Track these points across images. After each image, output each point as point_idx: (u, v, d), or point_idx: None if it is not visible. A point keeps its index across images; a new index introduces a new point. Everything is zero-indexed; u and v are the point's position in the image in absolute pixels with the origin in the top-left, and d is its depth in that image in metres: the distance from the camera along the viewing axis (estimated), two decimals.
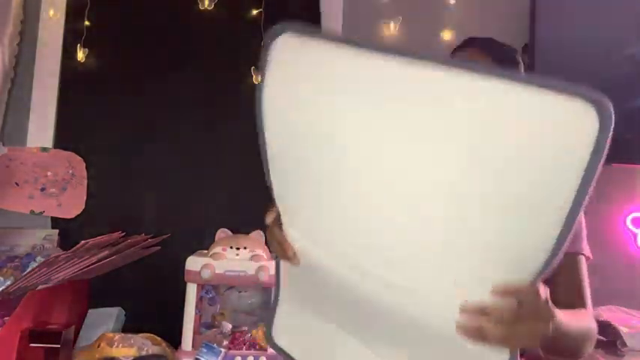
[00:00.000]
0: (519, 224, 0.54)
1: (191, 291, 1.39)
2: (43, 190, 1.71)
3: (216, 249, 1.43)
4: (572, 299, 0.92)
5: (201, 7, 1.79)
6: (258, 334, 1.42)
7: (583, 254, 0.98)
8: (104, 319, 1.53)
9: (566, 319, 0.76)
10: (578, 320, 0.87)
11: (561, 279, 0.94)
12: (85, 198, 1.71)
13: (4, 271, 1.51)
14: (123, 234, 1.47)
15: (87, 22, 1.76)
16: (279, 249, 0.78)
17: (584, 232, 0.99)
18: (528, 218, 0.54)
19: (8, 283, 1.33)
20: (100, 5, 1.77)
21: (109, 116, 1.76)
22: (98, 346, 1.34)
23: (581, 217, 0.99)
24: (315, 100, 0.64)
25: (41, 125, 1.76)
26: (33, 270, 1.21)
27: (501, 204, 0.54)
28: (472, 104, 0.54)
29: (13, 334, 1.23)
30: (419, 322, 0.64)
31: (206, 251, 1.47)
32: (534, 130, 0.51)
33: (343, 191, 0.65)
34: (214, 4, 1.80)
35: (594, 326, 0.91)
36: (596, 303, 1.57)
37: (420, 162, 0.57)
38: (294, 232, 0.74)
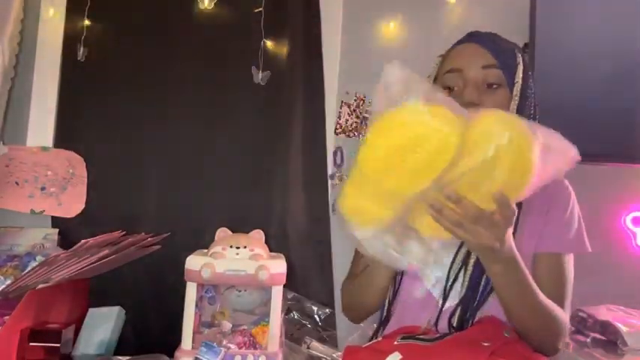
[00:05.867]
0: None
1: (191, 290, 1.39)
2: (43, 189, 1.71)
3: (216, 248, 1.43)
4: (549, 299, 0.93)
5: (201, 7, 1.79)
6: (258, 333, 1.42)
7: (567, 253, 0.99)
8: (104, 319, 1.53)
9: (536, 288, 0.86)
10: (550, 302, 0.90)
11: (542, 278, 0.95)
12: (85, 197, 1.71)
13: (3, 270, 1.51)
14: (123, 233, 1.47)
15: (87, 21, 1.76)
16: None
17: (576, 228, 1.00)
18: None
19: (8, 282, 1.33)
20: (100, 4, 1.77)
21: (109, 116, 1.76)
22: None
23: (571, 214, 0.99)
24: None
25: (41, 125, 1.76)
26: (33, 269, 1.22)
27: None
28: None
29: (13, 334, 1.23)
30: None
31: (206, 250, 1.47)
32: None
33: None
34: (214, 4, 1.80)
35: (564, 320, 0.93)
36: (596, 302, 1.59)
37: None
38: None
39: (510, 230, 0.78)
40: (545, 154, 0.71)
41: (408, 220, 0.77)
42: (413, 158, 0.71)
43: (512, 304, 0.87)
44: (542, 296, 0.88)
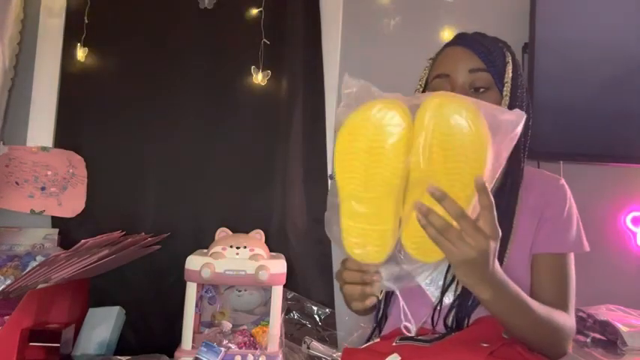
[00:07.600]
0: None
1: (191, 290, 1.40)
2: (43, 189, 1.71)
3: (216, 248, 1.43)
4: (552, 300, 0.91)
5: (201, 7, 1.79)
6: (258, 333, 1.43)
7: (568, 252, 0.98)
8: (104, 319, 1.53)
9: (532, 302, 0.83)
10: (549, 312, 0.87)
11: (544, 279, 0.94)
12: (85, 197, 1.71)
13: (4, 270, 1.51)
14: (123, 233, 1.47)
15: (87, 21, 1.76)
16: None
17: (574, 228, 0.99)
18: None
19: (8, 282, 1.34)
20: (100, 4, 1.77)
21: (109, 116, 1.76)
22: None
23: (568, 213, 0.99)
24: None
25: (41, 125, 1.76)
26: (33, 269, 1.22)
27: None
28: None
29: (13, 333, 1.23)
30: None
31: (206, 250, 1.48)
32: None
33: None
34: (214, 4, 1.80)
35: (568, 325, 0.91)
36: (596, 302, 1.59)
37: None
38: None
39: (494, 255, 0.74)
40: (495, 133, 0.73)
41: (401, 237, 0.77)
42: (376, 152, 0.76)
43: (510, 324, 0.84)
44: (540, 310, 0.84)
